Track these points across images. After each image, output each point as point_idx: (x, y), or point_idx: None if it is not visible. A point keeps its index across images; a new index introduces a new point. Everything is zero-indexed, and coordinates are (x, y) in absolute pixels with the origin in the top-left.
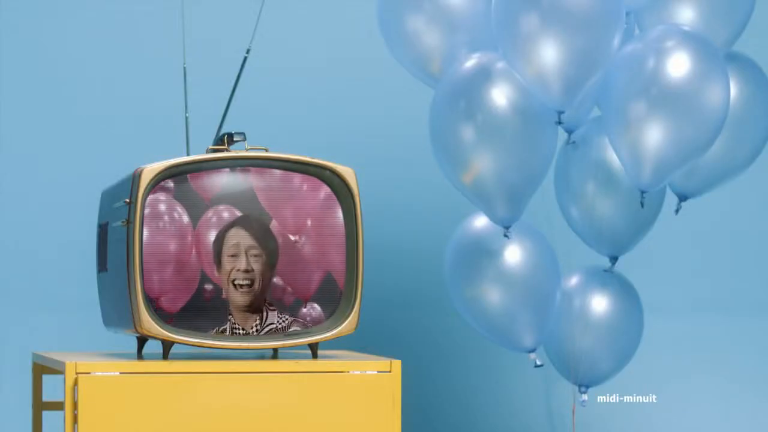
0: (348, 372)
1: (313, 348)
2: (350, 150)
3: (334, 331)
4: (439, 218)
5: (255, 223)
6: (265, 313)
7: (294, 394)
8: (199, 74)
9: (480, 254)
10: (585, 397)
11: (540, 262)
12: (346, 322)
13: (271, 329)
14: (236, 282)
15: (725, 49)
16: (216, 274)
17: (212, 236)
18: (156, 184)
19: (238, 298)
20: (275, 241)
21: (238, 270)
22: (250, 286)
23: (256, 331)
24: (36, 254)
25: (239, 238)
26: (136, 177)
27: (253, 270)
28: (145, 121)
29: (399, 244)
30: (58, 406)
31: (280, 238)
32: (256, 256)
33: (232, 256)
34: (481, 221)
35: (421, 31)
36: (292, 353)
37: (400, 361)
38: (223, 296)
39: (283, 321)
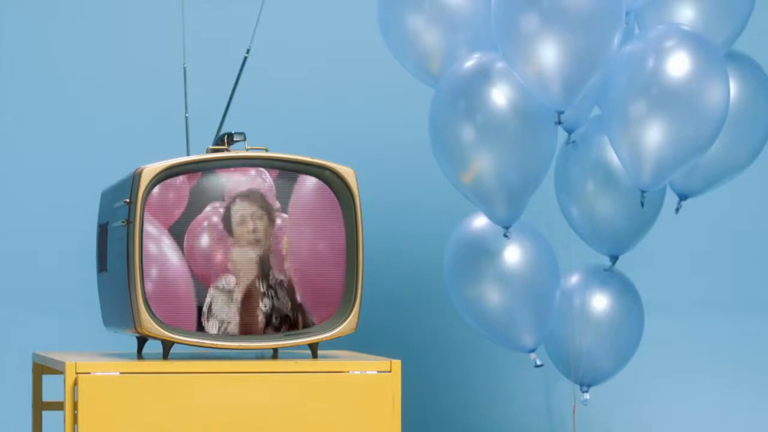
0: (348, 372)
1: (313, 348)
2: (350, 150)
3: (334, 331)
4: (439, 218)
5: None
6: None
7: (294, 394)
8: (199, 74)
9: (480, 254)
10: (587, 395)
11: (540, 262)
12: (346, 322)
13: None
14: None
15: (725, 49)
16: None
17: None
18: (156, 184)
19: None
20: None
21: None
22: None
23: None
24: (36, 254)
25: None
26: (136, 177)
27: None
28: (145, 121)
29: (399, 244)
30: (58, 406)
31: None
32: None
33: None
34: (480, 221)
35: (421, 30)
36: (292, 353)
37: (400, 361)
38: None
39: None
